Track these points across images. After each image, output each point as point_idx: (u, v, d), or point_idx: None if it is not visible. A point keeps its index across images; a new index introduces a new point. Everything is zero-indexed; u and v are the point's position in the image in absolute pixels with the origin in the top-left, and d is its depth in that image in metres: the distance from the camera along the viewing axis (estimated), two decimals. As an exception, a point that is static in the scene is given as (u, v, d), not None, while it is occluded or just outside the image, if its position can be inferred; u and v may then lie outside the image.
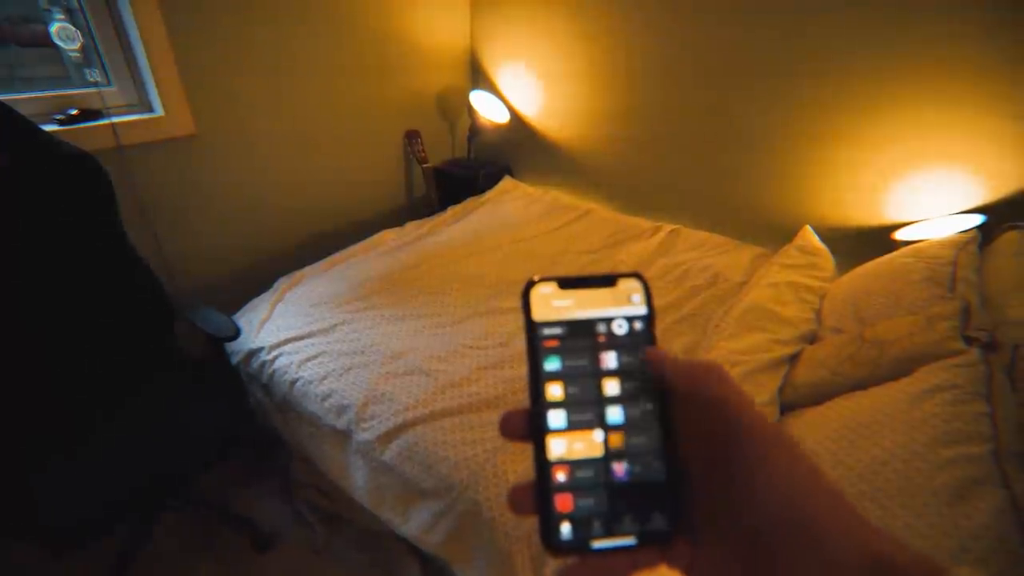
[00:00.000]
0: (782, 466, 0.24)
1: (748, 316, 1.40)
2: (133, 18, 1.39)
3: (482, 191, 2.32)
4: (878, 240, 1.68)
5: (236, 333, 1.22)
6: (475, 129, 2.55)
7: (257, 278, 1.86)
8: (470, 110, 2.54)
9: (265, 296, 1.60)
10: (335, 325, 1.43)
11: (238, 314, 1.56)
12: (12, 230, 1.16)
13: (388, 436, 1.13)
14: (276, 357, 1.35)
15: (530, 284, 0.27)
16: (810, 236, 1.74)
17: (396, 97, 2.21)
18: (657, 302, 1.36)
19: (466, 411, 1.16)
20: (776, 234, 1.88)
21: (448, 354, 1.33)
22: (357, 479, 1.20)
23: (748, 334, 1.34)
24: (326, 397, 1.24)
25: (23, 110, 1.28)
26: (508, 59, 2.39)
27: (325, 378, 1.27)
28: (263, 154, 1.81)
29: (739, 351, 1.29)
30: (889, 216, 1.67)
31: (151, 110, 1.56)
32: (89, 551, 1.32)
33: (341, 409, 1.21)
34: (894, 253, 1.43)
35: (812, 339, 1.39)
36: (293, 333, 1.40)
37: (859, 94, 1.60)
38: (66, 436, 1.14)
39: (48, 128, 1.29)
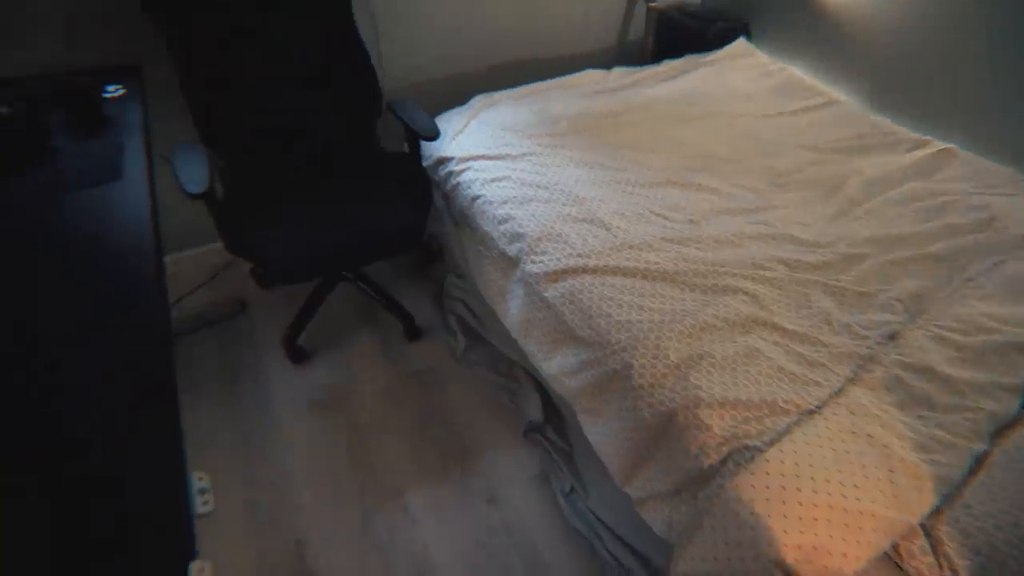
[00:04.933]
0: None
1: (1025, 279, 1.08)
2: None
3: (709, 49, 1.97)
4: None
5: (437, 134, 1.22)
6: (722, -30, 2.10)
7: (454, 91, 1.84)
8: (724, -57, 2.07)
9: (461, 110, 1.58)
10: (524, 154, 1.38)
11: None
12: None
13: (555, 275, 1.11)
14: (463, 170, 1.36)
15: None
16: None
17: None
18: (891, 230, 1.09)
19: (639, 276, 1.09)
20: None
21: (633, 215, 1.23)
22: (512, 307, 1.23)
23: (1018, 301, 1.04)
24: (503, 221, 1.23)
25: None
26: None
27: (506, 202, 1.25)
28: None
29: (997, 318, 1.02)
30: None
31: None
32: (284, 292, 1.58)
33: (515, 236, 1.20)
34: None
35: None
36: (483, 151, 1.39)
37: None
38: (287, 197, 1.29)
39: None
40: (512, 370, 1.47)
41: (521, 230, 1.19)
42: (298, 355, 1.53)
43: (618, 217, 1.22)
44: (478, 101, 1.61)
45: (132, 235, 0.83)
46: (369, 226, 1.26)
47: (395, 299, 1.62)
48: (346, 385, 1.50)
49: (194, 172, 1.07)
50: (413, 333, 1.60)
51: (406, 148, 1.41)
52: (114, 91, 1.19)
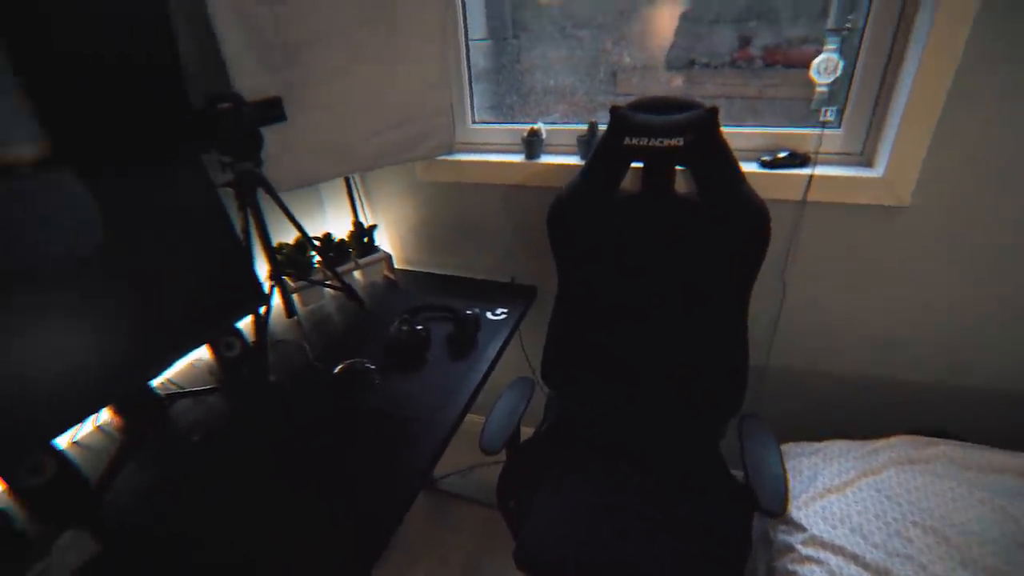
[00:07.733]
0: None
1: None
2: (919, 57, 1.03)
3: None
4: None
5: (780, 512, 0.84)
6: None
7: (860, 403, 1.37)
8: None
9: (853, 449, 1.10)
10: (933, 597, 0.80)
11: (795, 448, 1.16)
12: (667, 257, 1.18)
13: None
14: (809, 559, 0.89)
15: None
16: None
17: None
18: None
19: None
20: None
21: None
22: None
23: None
24: None
25: (744, 144, 1.28)
26: None
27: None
28: (966, 254, 1.17)
29: None
30: None
31: (868, 167, 1.22)
32: None
33: None
34: None
35: None
36: (856, 547, 0.88)
37: None
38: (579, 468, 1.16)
39: (748, 168, 1.21)
40: None
41: None
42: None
43: None
44: (892, 448, 1.08)
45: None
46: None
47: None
48: None
49: (496, 427, 1.06)
50: None
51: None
52: (499, 314, 1.37)
